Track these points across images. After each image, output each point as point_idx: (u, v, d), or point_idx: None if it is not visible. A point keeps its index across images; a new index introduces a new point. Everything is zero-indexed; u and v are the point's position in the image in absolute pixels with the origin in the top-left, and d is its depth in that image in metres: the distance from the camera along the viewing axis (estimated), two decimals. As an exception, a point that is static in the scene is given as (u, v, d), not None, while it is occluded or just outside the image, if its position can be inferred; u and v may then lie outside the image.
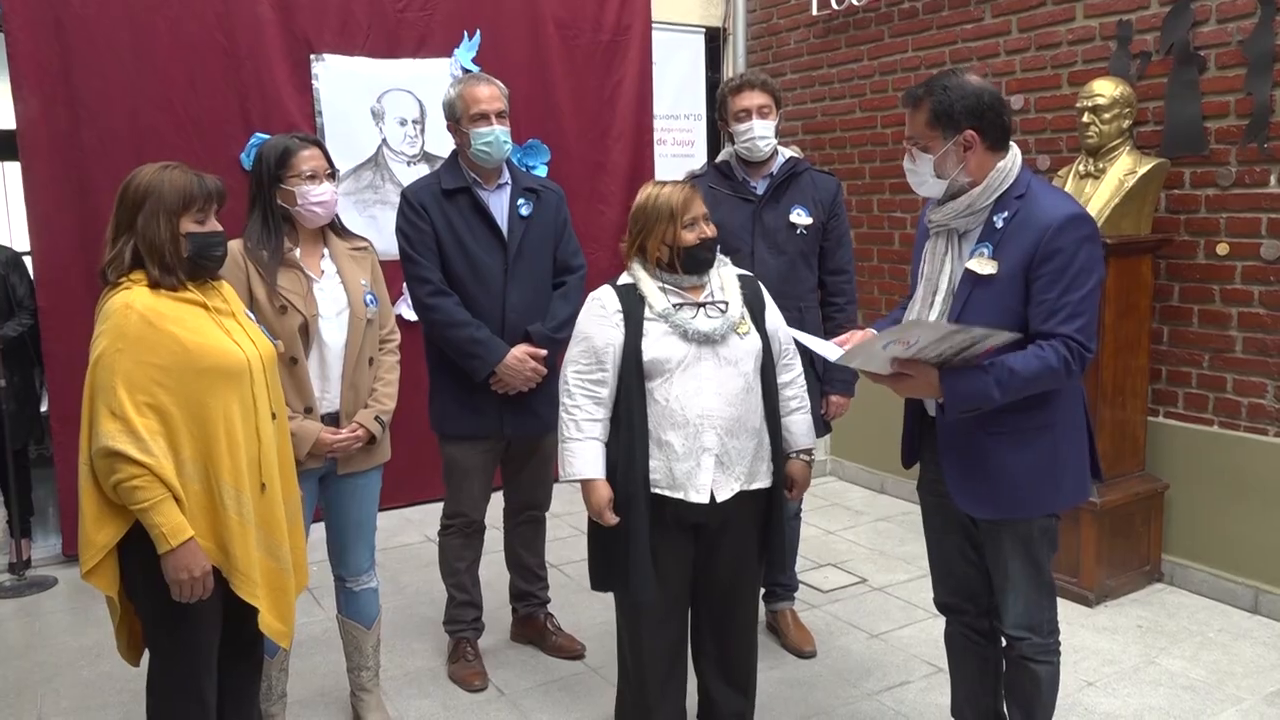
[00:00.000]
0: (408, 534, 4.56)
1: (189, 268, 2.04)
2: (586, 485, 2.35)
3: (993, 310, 2.11)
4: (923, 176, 2.19)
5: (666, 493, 2.34)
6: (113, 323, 1.95)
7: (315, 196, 2.56)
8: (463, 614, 3.20)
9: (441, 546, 3.19)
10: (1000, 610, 2.32)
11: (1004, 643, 2.39)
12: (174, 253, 2.01)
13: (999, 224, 2.12)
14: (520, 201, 3.03)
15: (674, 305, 2.35)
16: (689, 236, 2.35)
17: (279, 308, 2.51)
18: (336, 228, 2.73)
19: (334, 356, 2.60)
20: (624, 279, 2.44)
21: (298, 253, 2.59)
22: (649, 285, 2.38)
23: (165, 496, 1.94)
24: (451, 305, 2.92)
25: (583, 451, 2.35)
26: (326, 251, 2.67)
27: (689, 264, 2.37)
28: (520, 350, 2.94)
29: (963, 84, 2.12)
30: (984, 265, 2.12)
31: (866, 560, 4.15)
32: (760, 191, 3.13)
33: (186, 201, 2.02)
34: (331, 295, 2.61)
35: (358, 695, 2.90)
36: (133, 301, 1.95)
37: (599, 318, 2.38)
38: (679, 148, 5.64)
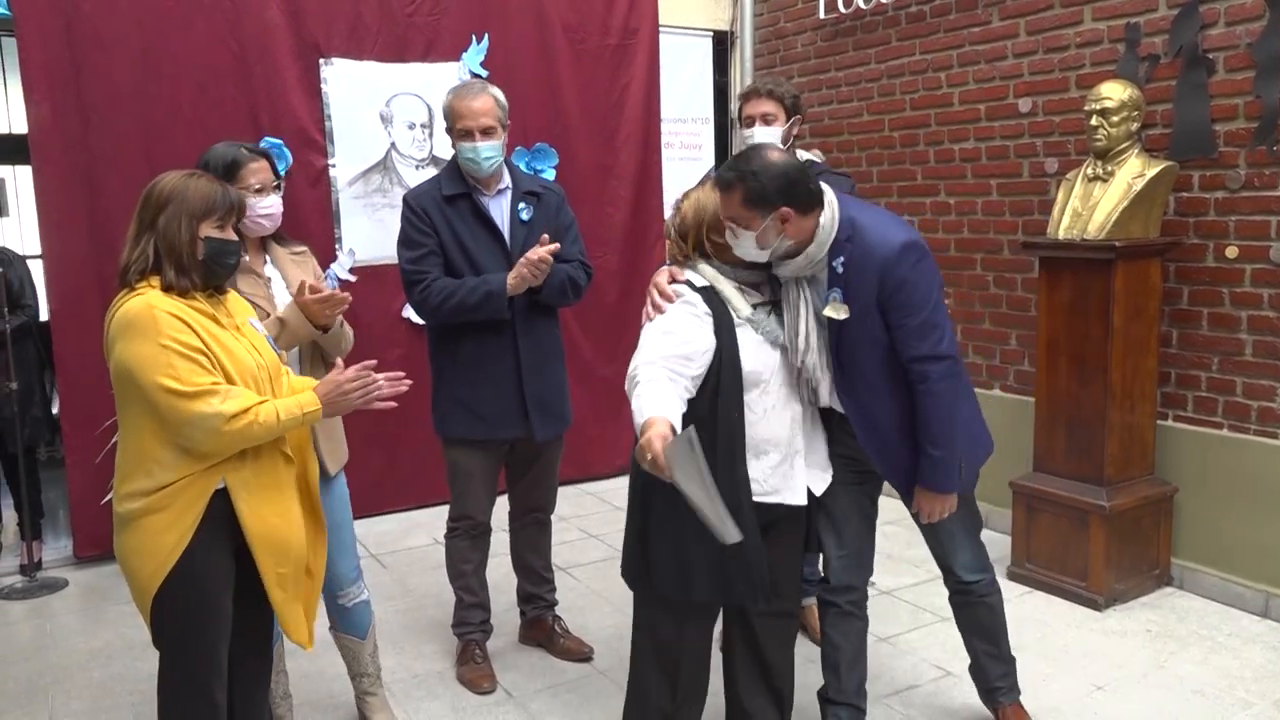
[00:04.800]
0: (415, 536, 4.56)
1: (203, 271, 2.06)
2: (645, 423, 1.97)
3: (862, 343, 2.32)
4: (746, 249, 2.26)
5: (765, 499, 2.30)
6: (138, 325, 1.95)
7: (262, 209, 2.56)
8: (471, 616, 3.21)
9: (448, 549, 3.20)
10: (950, 563, 2.66)
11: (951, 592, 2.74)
12: (191, 255, 2.03)
13: (840, 269, 2.29)
14: (521, 206, 3.04)
15: (753, 308, 2.29)
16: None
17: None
18: (278, 235, 2.73)
19: (291, 358, 2.64)
20: (697, 280, 2.28)
21: (248, 258, 2.59)
22: (727, 287, 2.26)
23: (264, 400, 2.02)
24: (442, 282, 2.91)
25: (650, 394, 2.04)
26: (268, 258, 2.70)
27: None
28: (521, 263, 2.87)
29: (769, 165, 2.20)
30: (838, 311, 2.29)
31: (874, 563, 4.13)
32: None
33: (209, 208, 2.06)
34: (281, 299, 2.63)
35: (362, 699, 2.91)
36: (153, 302, 1.98)
37: (692, 316, 2.21)
38: (686, 151, 5.65)
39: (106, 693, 3.16)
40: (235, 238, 2.13)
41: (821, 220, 2.26)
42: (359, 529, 4.47)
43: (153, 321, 1.94)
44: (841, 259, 2.28)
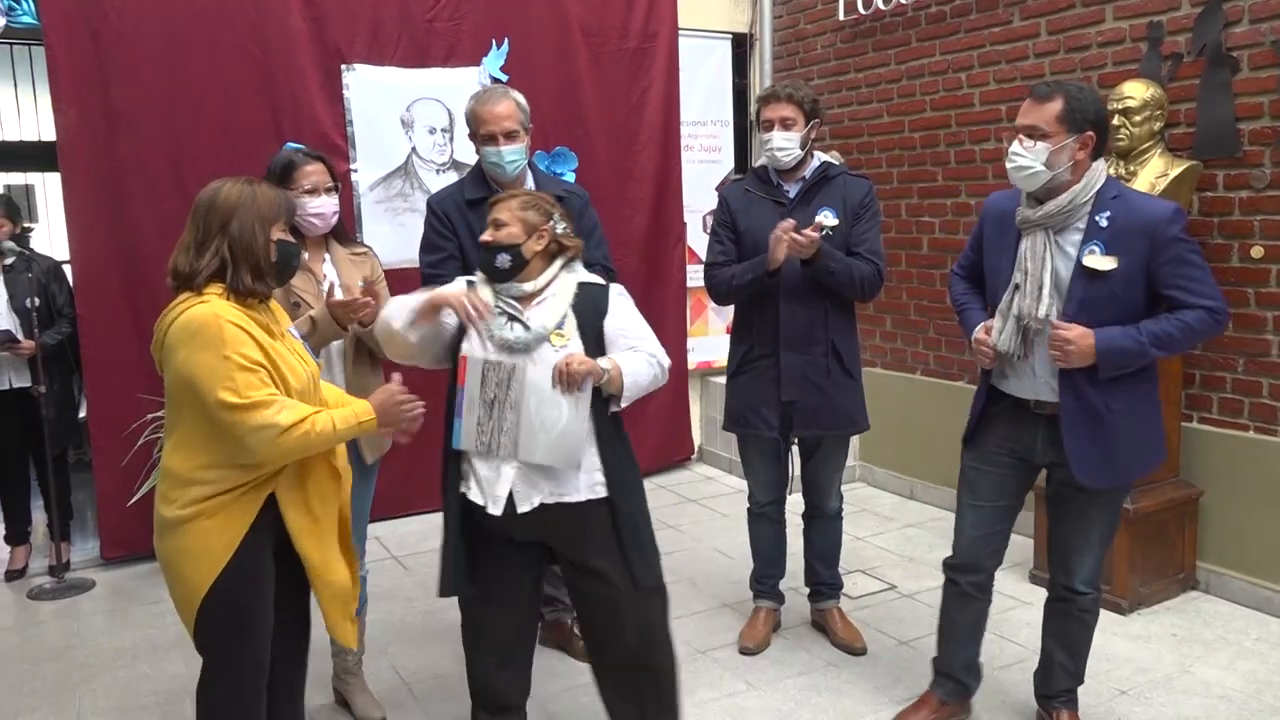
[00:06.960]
0: (438, 539, 4.56)
1: (276, 274, 2.11)
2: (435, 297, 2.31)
3: (1110, 305, 2.33)
4: (1033, 164, 2.33)
5: (474, 499, 2.37)
6: (204, 335, 1.95)
7: (313, 208, 2.71)
8: (491, 618, 3.22)
9: (470, 551, 3.21)
10: (1071, 569, 2.59)
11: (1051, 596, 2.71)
12: (266, 258, 2.07)
13: (1103, 223, 2.33)
14: None
15: (495, 309, 2.32)
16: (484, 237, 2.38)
17: (293, 304, 2.63)
18: (339, 235, 2.86)
19: (336, 353, 2.74)
20: (475, 275, 2.45)
21: (305, 256, 2.70)
22: (485, 287, 2.38)
23: (319, 410, 2.04)
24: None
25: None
26: (328, 257, 2.81)
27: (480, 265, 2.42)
28: None
29: (1090, 90, 2.35)
30: (1103, 262, 2.31)
31: (896, 566, 4.12)
32: (792, 195, 3.18)
33: (277, 212, 2.11)
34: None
35: (343, 679, 2.97)
36: (220, 312, 1.98)
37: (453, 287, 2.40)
38: (706, 154, 5.66)
39: (133, 692, 3.21)
40: (294, 240, 2.19)
41: (1096, 164, 2.37)
42: (382, 530, 4.56)
43: (219, 332, 1.95)
44: (1107, 214, 2.33)
